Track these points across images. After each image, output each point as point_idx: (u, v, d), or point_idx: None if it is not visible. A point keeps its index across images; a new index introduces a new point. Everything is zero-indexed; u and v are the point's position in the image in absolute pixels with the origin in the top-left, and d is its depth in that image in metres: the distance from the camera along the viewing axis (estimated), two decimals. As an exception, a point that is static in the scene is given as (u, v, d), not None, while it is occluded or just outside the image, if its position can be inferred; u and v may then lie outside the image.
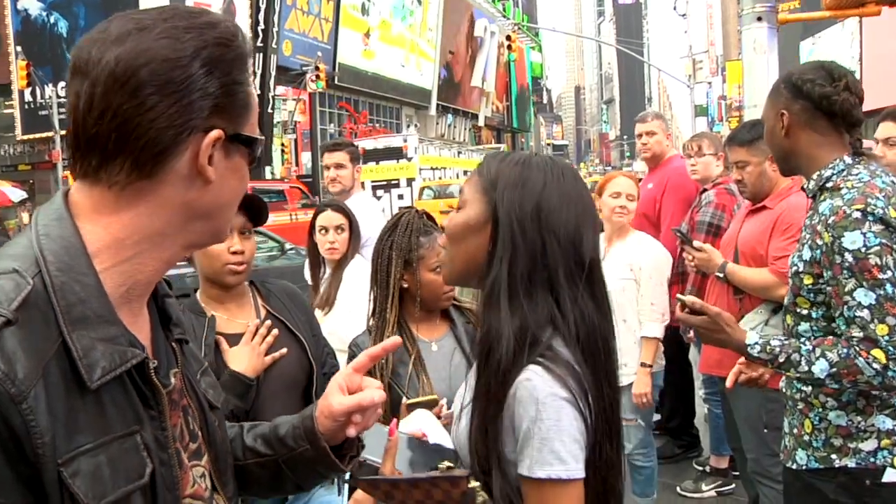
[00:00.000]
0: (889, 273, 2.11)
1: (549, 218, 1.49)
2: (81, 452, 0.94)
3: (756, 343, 2.29)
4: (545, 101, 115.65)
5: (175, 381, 1.16)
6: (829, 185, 2.27)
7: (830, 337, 2.25)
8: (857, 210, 2.14)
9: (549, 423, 1.39)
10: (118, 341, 1.01)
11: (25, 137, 33.32)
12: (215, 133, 1.05)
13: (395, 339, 1.46)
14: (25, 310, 0.93)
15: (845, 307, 2.18)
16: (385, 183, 25.18)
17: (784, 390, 2.53)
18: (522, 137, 73.70)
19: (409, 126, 48.02)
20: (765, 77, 5.99)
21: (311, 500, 2.49)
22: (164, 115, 1.01)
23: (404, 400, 2.25)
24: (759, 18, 6.07)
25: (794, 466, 2.40)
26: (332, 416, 1.34)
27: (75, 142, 1.04)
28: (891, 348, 2.09)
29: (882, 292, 2.11)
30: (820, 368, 2.16)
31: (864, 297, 2.13)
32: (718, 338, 2.35)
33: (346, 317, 3.49)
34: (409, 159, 26.40)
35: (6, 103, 33.77)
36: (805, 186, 2.41)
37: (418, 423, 1.68)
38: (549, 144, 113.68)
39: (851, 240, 2.13)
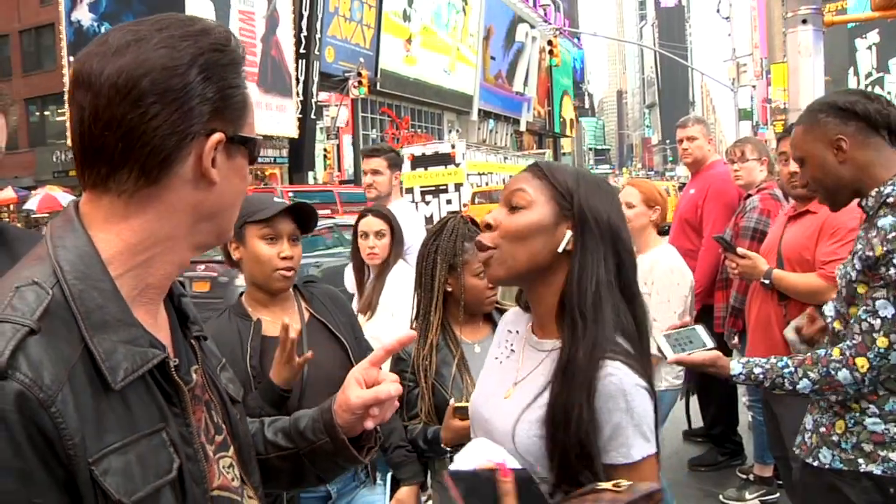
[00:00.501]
0: None
1: (619, 231, 1.61)
2: (111, 451, 0.97)
3: (741, 373, 2.42)
4: (587, 105, 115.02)
5: (196, 377, 1.20)
6: (890, 200, 2.25)
7: (809, 355, 2.33)
8: None
9: (639, 410, 1.50)
10: (139, 342, 1.04)
11: (76, 144, 34.11)
12: (217, 136, 1.08)
13: (411, 334, 1.49)
14: (47, 319, 0.97)
15: (863, 308, 2.22)
16: (433, 188, 25.89)
17: None
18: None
19: (450, 131, 48.16)
20: (810, 80, 5.91)
21: (353, 500, 2.53)
22: (166, 123, 1.03)
23: (452, 401, 2.33)
24: (805, 21, 5.98)
25: (816, 464, 2.40)
26: (349, 410, 1.38)
27: (82, 153, 1.07)
28: (875, 360, 2.18)
29: None
30: (803, 386, 2.30)
31: (885, 308, 2.17)
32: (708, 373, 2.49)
33: (388, 322, 3.52)
34: (457, 165, 26.82)
35: (59, 111, 34.64)
36: (863, 203, 2.37)
37: (486, 452, 1.51)
38: (590, 149, 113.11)
39: None
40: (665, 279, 3.99)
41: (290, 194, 19.38)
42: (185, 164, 1.07)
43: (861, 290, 2.28)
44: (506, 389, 1.68)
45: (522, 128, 60.92)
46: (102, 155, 1.04)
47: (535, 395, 1.59)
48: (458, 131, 48.53)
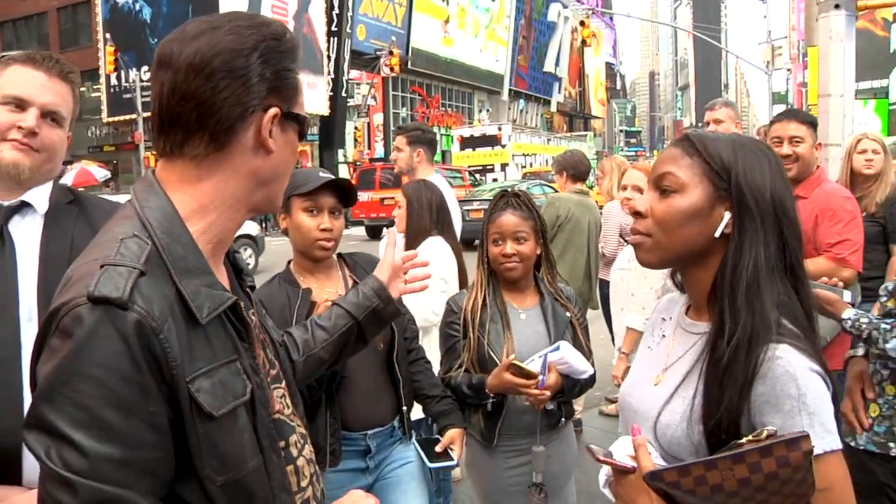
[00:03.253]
0: None
1: (784, 204, 1.47)
2: (201, 374, 1.17)
3: (850, 318, 2.64)
4: (618, 86, 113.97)
5: (254, 319, 1.42)
6: None
7: None
8: None
9: (814, 396, 1.34)
10: (216, 287, 1.25)
11: (110, 120, 34.64)
12: (273, 110, 1.28)
13: (413, 252, 2.07)
14: (149, 264, 1.16)
15: None
16: (481, 168, 28.35)
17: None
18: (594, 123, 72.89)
19: (480, 111, 48.09)
20: (840, 66, 5.92)
21: (390, 455, 2.70)
22: (232, 95, 1.23)
23: (512, 357, 2.58)
24: (837, 6, 5.98)
25: (853, 444, 2.53)
26: (390, 267, 2.06)
27: (160, 123, 1.26)
28: None
29: None
30: (891, 347, 2.46)
31: None
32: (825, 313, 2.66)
33: (418, 293, 3.67)
34: (504, 146, 29.59)
35: (94, 87, 35.07)
36: None
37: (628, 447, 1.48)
38: (621, 131, 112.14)
39: None
40: None
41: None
42: (246, 134, 1.27)
43: None
44: (655, 376, 1.61)
45: (553, 108, 60.57)
46: (179, 123, 1.24)
47: (680, 381, 1.51)
48: (488, 111, 48.46)
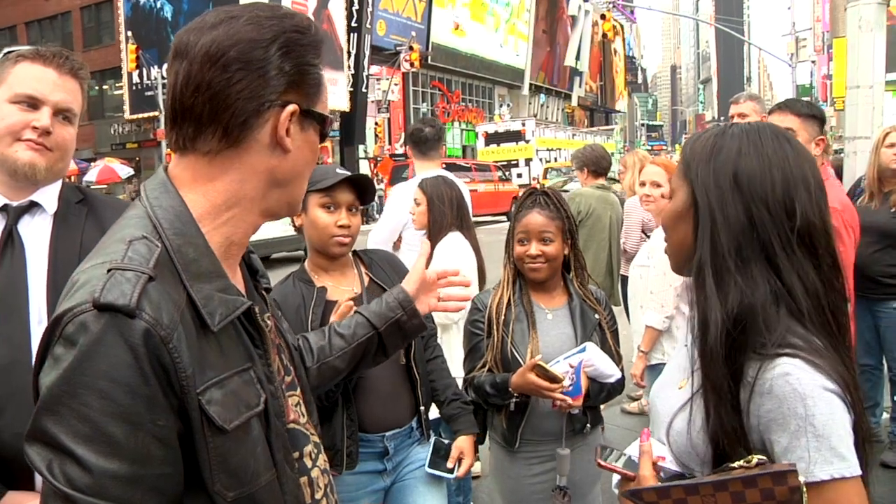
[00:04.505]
0: None
1: (752, 185, 1.39)
2: (212, 384, 1.11)
3: None
4: (640, 80, 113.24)
5: (270, 323, 1.35)
6: None
7: None
8: None
9: (823, 418, 1.25)
10: (229, 292, 1.18)
11: (133, 117, 34.87)
12: (292, 107, 1.21)
13: (455, 269, 2.00)
14: (159, 268, 1.10)
15: None
16: (505, 163, 28.91)
17: None
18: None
19: (501, 105, 48.00)
20: (870, 57, 5.79)
21: (408, 456, 2.66)
22: (247, 88, 1.16)
23: (538, 358, 2.52)
24: (867, -6, 5.86)
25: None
26: (420, 280, 1.94)
27: (173, 115, 1.20)
28: None
29: None
30: None
31: None
32: None
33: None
34: (528, 141, 30.72)
35: (116, 85, 35.37)
36: None
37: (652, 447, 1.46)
38: (642, 125, 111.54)
39: None
40: (661, 252, 4.11)
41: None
42: (262, 130, 1.20)
43: None
44: (680, 379, 1.56)
45: (574, 102, 60.29)
46: (191, 115, 1.18)
47: (698, 388, 1.44)
48: (508, 105, 48.31)
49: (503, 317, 2.75)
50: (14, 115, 1.83)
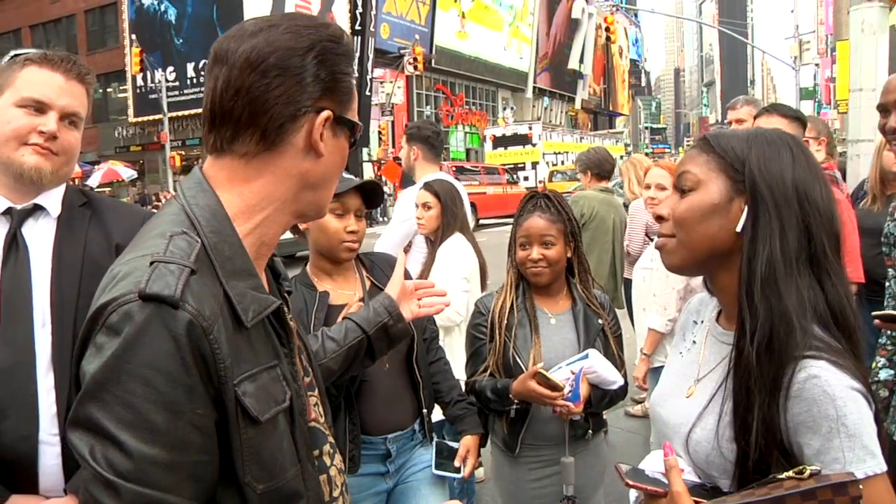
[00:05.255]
0: None
1: (809, 194, 1.40)
2: (246, 377, 1.15)
3: None
4: (643, 83, 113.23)
5: (293, 324, 1.39)
6: None
7: None
8: None
9: (854, 417, 1.27)
10: (260, 290, 1.22)
11: (137, 120, 34.99)
12: (326, 113, 1.25)
13: (430, 283, 2.21)
14: (199, 262, 1.14)
15: None
16: (512, 166, 29.35)
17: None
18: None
19: (504, 108, 48.05)
20: (873, 60, 5.80)
21: (411, 458, 2.66)
22: (285, 94, 1.21)
23: (539, 366, 2.51)
24: (870, -2, 5.87)
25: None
26: (401, 288, 2.14)
27: (211, 118, 1.24)
28: None
29: None
30: None
31: None
32: None
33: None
34: (534, 145, 31.30)
35: (120, 88, 35.48)
36: None
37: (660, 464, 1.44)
38: (646, 128, 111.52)
39: None
40: None
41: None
42: (298, 135, 1.24)
43: None
44: (687, 387, 1.54)
45: (577, 105, 60.31)
46: (230, 118, 1.22)
47: (712, 395, 1.44)
48: (512, 108, 48.33)
49: (506, 321, 2.73)
50: (21, 118, 1.84)
